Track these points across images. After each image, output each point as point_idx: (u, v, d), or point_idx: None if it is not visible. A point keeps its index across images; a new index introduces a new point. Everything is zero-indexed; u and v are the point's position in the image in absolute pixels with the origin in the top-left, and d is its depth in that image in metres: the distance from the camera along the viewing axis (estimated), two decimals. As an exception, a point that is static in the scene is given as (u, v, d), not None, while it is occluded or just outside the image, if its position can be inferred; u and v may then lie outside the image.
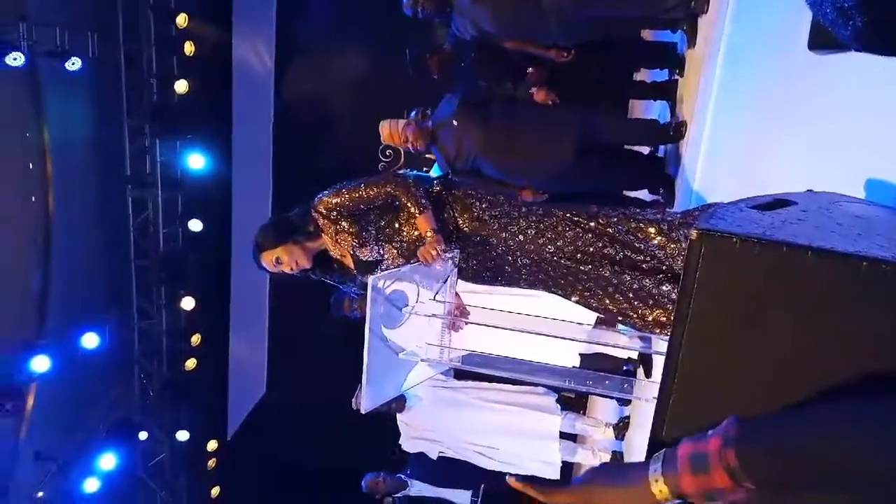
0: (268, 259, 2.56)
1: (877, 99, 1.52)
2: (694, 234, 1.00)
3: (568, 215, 2.46)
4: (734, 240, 0.98)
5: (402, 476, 4.71)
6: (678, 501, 0.85)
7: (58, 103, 5.56)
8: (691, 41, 3.57)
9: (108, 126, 6.12)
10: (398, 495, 4.63)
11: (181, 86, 6.00)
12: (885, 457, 0.74)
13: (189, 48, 6.01)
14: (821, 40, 1.13)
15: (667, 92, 4.02)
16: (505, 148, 3.61)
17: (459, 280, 2.68)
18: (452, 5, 3.63)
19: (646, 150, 4.16)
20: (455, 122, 3.61)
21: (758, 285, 0.97)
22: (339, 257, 2.64)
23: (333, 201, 2.52)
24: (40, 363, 5.61)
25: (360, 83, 6.70)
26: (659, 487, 0.85)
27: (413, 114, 4.16)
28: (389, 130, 3.74)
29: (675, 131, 3.64)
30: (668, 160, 3.94)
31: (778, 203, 1.20)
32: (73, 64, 5.26)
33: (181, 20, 5.83)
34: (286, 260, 2.54)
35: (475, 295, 2.98)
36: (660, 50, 4.07)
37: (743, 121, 2.85)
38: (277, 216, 2.72)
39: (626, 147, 4.02)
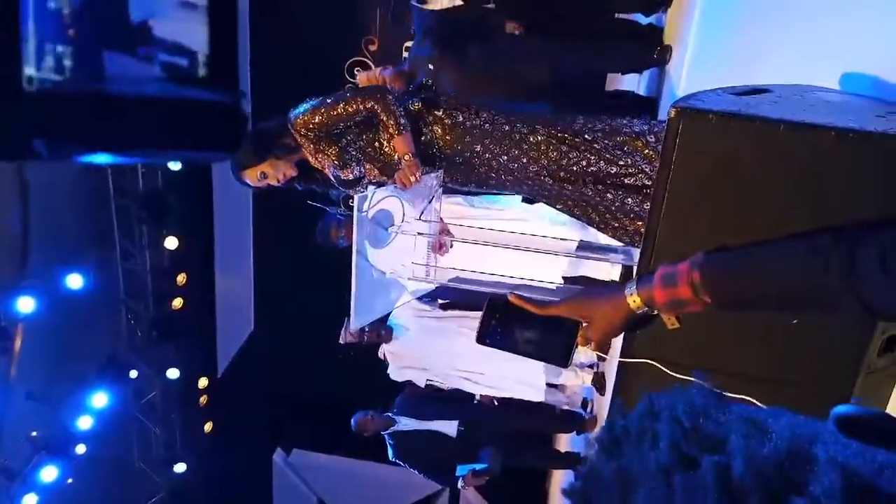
0: (251, 175, 2.56)
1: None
2: (672, 111, 1.04)
3: (553, 131, 2.46)
4: (710, 116, 1.01)
5: (390, 414, 4.83)
6: (645, 310, 1.09)
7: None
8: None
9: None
10: (387, 432, 4.75)
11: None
12: (799, 284, 0.95)
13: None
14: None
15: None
16: (483, 85, 3.56)
17: (444, 195, 2.71)
18: None
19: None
20: (431, 66, 3.55)
21: (733, 157, 1.01)
22: (319, 168, 2.65)
23: (312, 120, 2.44)
24: (25, 304, 5.60)
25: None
26: (633, 298, 1.09)
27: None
28: (367, 78, 3.70)
29: (658, 55, 3.62)
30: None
31: (754, 91, 1.23)
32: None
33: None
34: (272, 173, 2.55)
35: (461, 220, 3.02)
36: None
37: (727, 37, 2.85)
38: (255, 129, 2.70)
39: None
